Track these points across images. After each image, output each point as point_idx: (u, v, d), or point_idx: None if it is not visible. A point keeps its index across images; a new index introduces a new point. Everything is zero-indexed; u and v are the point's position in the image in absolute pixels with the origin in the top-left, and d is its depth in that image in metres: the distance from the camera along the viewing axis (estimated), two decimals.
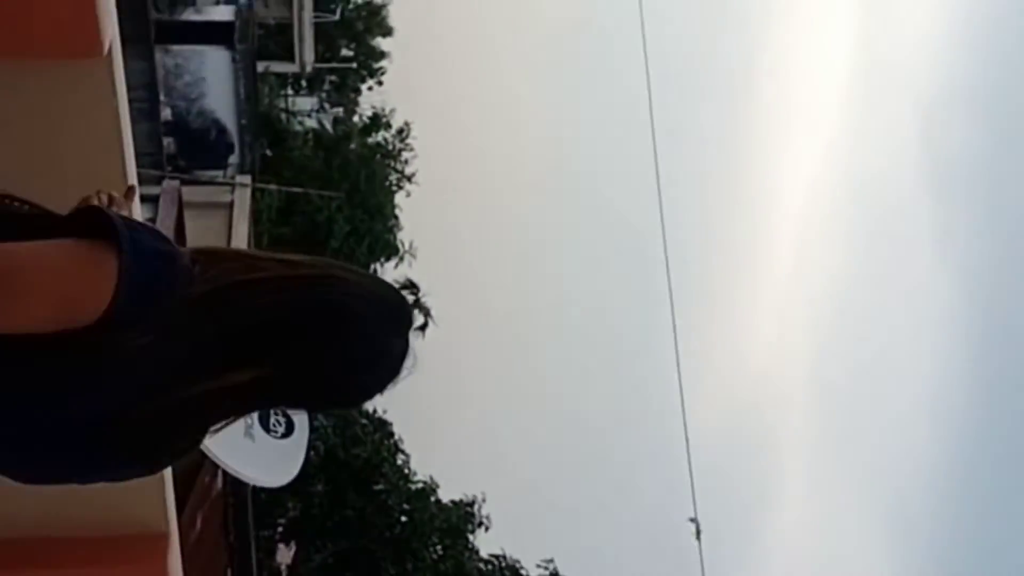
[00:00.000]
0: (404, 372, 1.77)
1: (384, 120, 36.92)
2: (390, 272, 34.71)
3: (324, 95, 41.59)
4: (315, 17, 36.47)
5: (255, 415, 7.36)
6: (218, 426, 1.76)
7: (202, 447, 6.15)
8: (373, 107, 39.20)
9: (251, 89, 27.65)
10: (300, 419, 7.65)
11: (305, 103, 39.71)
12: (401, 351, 1.76)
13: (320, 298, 1.68)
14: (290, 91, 40.00)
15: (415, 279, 35.44)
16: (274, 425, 7.34)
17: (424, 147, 37.25)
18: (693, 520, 15.05)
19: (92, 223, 1.60)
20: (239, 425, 5.95)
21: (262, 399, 1.77)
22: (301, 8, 34.30)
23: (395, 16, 45.84)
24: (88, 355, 1.55)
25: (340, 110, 40.58)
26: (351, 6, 44.75)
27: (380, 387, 1.78)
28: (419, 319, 35.88)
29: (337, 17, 40.74)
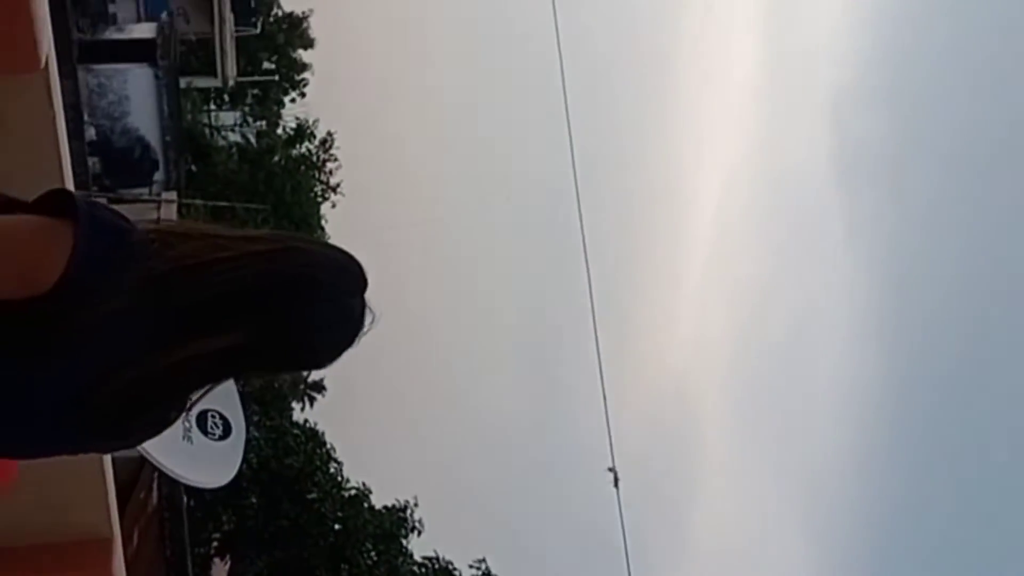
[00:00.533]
0: (365, 327, 1.91)
1: (308, 131, 37.09)
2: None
3: (247, 109, 41.58)
4: (236, 31, 36.50)
5: (193, 419, 7.76)
6: (198, 394, 1.87)
7: (141, 452, 6.56)
8: (296, 119, 39.37)
9: (174, 106, 27.72)
10: (237, 421, 8.02)
11: (229, 117, 39.69)
12: (360, 310, 1.90)
13: (283, 269, 1.79)
14: (213, 106, 39.95)
15: None
16: (211, 428, 7.71)
17: (348, 156, 37.49)
18: (611, 469, 15.47)
19: (56, 203, 1.68)
20: (177, 429, 6.42)
21: (236, 364, 1.83)
22: (222, 23, 34.32)
23: (316, 27, 46.02)
24: (46, 323, 1.60)
25: (264, 123, 40.60)
26: (272, 19, 44.79)
27: (346, 344, 1.90)
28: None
29: (258, 30, 40.74)
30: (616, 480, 15.12)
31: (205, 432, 7.65)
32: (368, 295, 1.92)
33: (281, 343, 1.81)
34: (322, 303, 1.84)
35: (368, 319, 1.92)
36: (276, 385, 28.88)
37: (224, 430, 7.89)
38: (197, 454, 7.46)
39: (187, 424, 7.17)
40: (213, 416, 7.54)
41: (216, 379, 1.84)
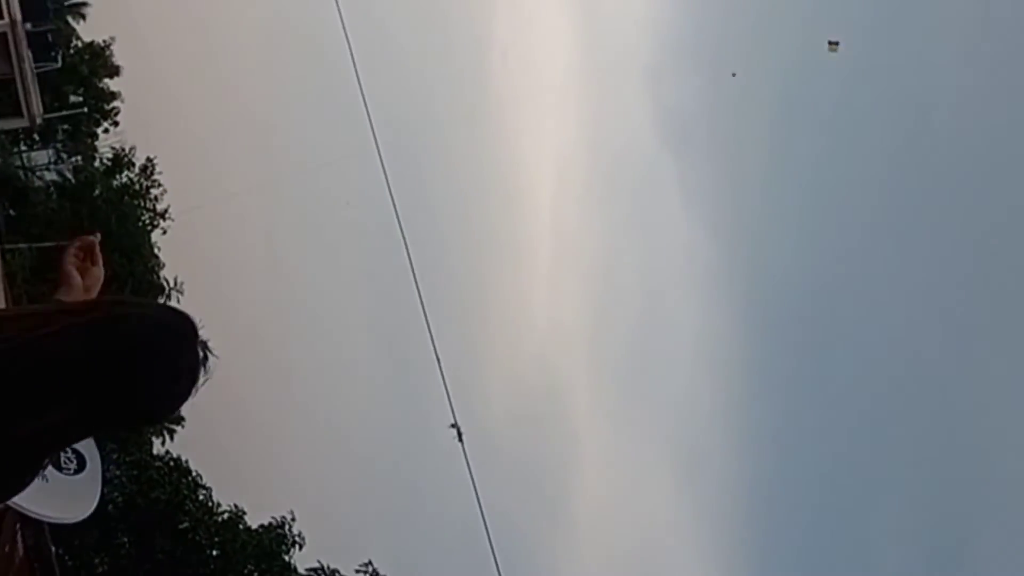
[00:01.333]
0: (201, 379, 1.96)
1: (126, 160, 36.30)
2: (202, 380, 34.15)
3: (60, 145, 40.48)
4: (37, 67, 35.48)
5: None
6: (45, 462, 1.98)
7: None
8: (112, 148, 38.48)
9: None
10: (90, 453, 7.90)
11: (42, 156, 38.57)
12: (193, 363, 1.94)
13: (111, 337, 1.83)
14: (24, 147, 38.78)
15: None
16: (65, 463, 7.58)
17: (172, 179, 36.79)
18: (454, 426, 15.78)
19: None
20: None
21: (77, 431, 1.90)
22: (20, 60, 33.32)
23: (121, 54, 44.98)
24: None
25: (79, 157, 39.59)
26: (72, 51, 43.62)
27: (183, 398, 1.95)
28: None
29: (59, 64, 39.68)
30: (460, 434, 15.40)
31: (59, 468, 7.52)
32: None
33: (120, 405, 1.86)
34: (147, 368, 1.87)
35: (202, 370, 1.97)
36: None
37: (79, 463, 7.77)
38: (55, 491, 7.33)
39: None
40: (66, 451, 7.41)
41: (65, 445, 1.99)
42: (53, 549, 17.52)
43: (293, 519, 27.91)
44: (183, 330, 1.95)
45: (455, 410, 15.60)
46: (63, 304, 2.00)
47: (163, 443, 31.71)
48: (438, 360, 15.56)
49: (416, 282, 15.91)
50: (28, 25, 34.08)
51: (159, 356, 1.87)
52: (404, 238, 15.87)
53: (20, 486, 1.98)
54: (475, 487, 15.38)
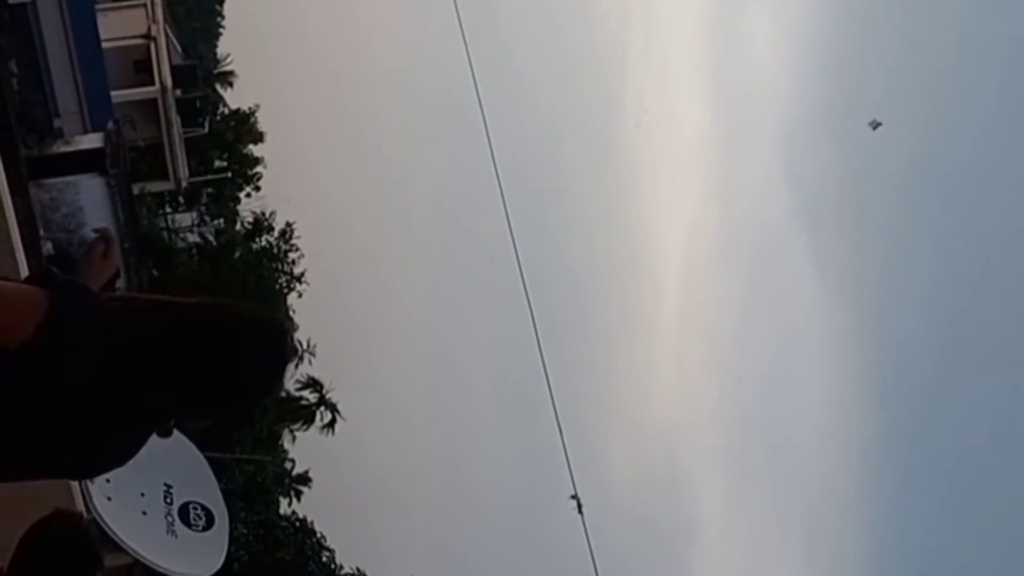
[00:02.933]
0: (287, 375, 2.20)
1: (266, 224, 37.20)
2: (290, 372, 34.85)
3: (203, 208, 41.69)
4: (184, 133, 36.70)
5: (176, 513, 7.75)
6: (148, 435, 2.20)
7: (130, 552, 6.55)
8: (253, 213, 39.48)
9: (129, 212, 27.78)
10: (218, 510, 8.02)
11: (186, 218, 39.74)
12: (289, 352, 2.19)
13: (208, 321, 2.10)
14: (169, 209, 40.03)
15: (317, 376, 35.67)
16: (195, 520, 7.71)
17: (309, 244, 37.59)
18: (574, 497, 15.57)
19: (36, 278, 2.05)
20: (162, 525, 6.40)
21: (175, 412, 2.15)
22: (169, 126, 34.52)
23: (264, 120, 46.34)
24: (29, 366, 1.93)
25: (221, 220, 40.70)
26: (219, 117, 45.02)
27: (279, 381, 2.19)
28: (327, 415, 35.99)
29: (206, 130, 40.97)
30: (580, 506, 15.20)
31: (188, 525, 7.63)
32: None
33: (215, 388, 2.07)
34: (240, 347, 2.09)
35: (289, 370, 2.24)
36: (259, 479, 28.68)
37: (207, 520, 7.88)
38: (183, 547, 7.44)
39: (170, 519, 7.17)
40: (195, 508, 7.53)
41: (166, 421, 2.16)
42: None
43: None
44: (274, 326, 2.17)
45: (576, 480, 15.44)
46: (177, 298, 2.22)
47: (289, 503, 32.08)
48: (560, 429, 15.45)
49: (540, 348, 15.85)
50: (178, 92, 35.32)
51: (251, 342, 2.09)
52: (529, 301, 15.87)
53: (129, 455, 2.18)
54: (594, 562, 15.16)
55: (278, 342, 2.14)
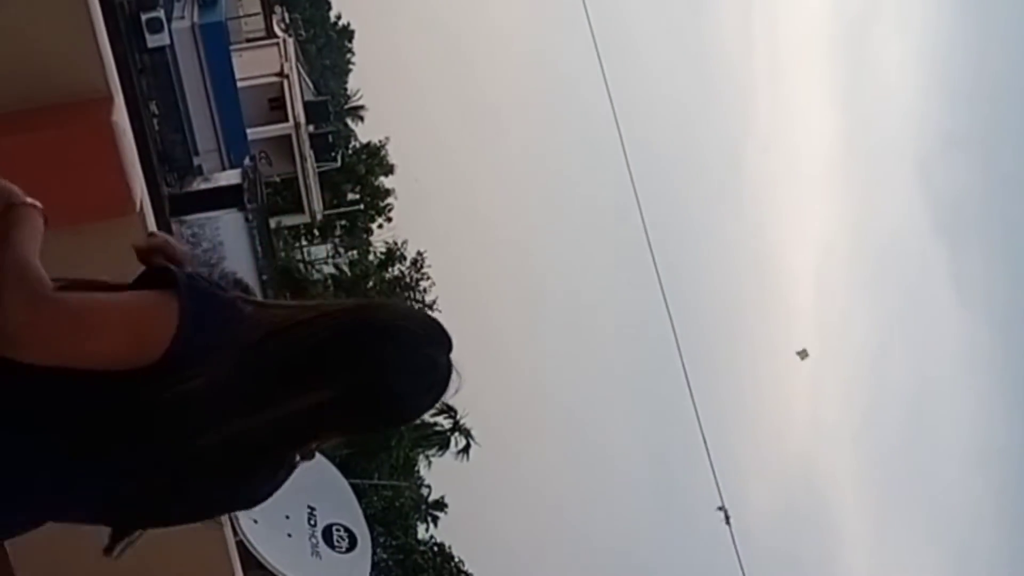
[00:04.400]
0: (452, 385, 1.93)
1: (398, 254, 37.76)
2: (453, 384, 35.13)
3: (337, 239, 42.48)
4: (318, 167, 37.48)
5: (320, 535, 7.92)
6: (300, 452, 1.98)
7: (277, 573, 6.71)
8: (386, 243, 40.12)
9: (267, 246, 28.47)
10: (361, 532, 8.17)
11: (321, 250, 40.55)
12: (442, 361, 1.92)
13: (363, 323, 1.88)
14: (305, 241, 40.89)
15: (451, 403, 35.96)
16: (338, 541, 7.87)
17: (441, 272, 38.06)
18: (721, 508, 15.39)
19: (157, 279, 1.84)
20: (307, 547, 6.55)
21: (330, 418, 1.87)
22: (304, 161, 35.29)
23: (393, 151, 47.11)
24: (160, 386, 1.74)
25: (355, 251, 41.41)
26: (351, 151, 45.89)
27: (429, 394, 1.93)
28: (462, 441, 36.26)
29: (339, 163, 41.78)
30: (727, 517, 15.05)
31: (332, 546, 7.78)
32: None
33: (369, 394, 1.85)
34: (400, 350, 1.87)
35: (455, 378, 1.93)
36: (397, 504, 29.00)
37: (350, 542, 8.02)
38: (327, 569, 7.59)
39: (314, 541, 7.33)
40: (338, 530, 7.69)
41: (314, 433, 1.91)
42: None
43: None
44: (438, 327, 1.96)
45: (723, 494, 15.32)
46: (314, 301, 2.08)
47: (426, 529, 32.36)
48: (705, 444, 15.33)
49: (684, 367, 15.78)
50: (311, 127, 36.13)
51: (411, 341, 1.89)
52: (672, 324, 15.81)
53: (275, 481, 2.00)
54: (743, 570, 14.97)
55: (445, 343, 1.94)
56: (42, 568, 4.82)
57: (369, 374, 1.83)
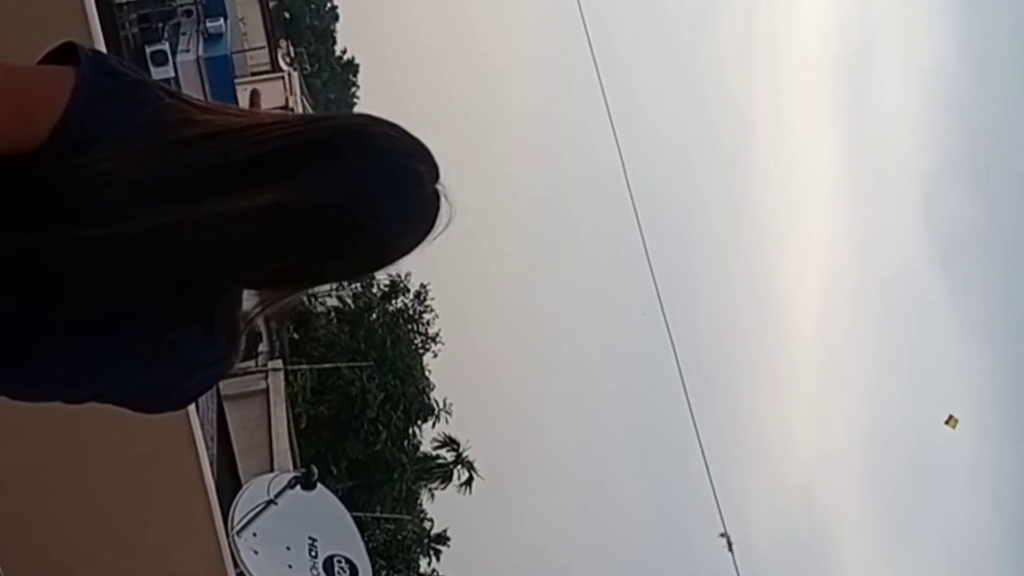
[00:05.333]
0: (442, 218, 1.54)
1: (401, 286, 37.80)
2: (428, 432, 35.28)
3: None
4: None
5: (320, 566, 7.90)
6: (256, 308, 1.55)
7: None
8: (389, 275, 40.12)
9: None
10: (363, 564, 8.16)
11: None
12: (433, 191, 1.53)
13: (334, 124, 1.50)
14: None
15: (453, 435, 35.93)
16: (339, 572, 7.85)
17: (444, 304, 38.13)
18: (724, 535, 15.34)
19: (60, 56, 1.51)
20: None
21: (283, 234, 1.41)
22: None
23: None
24: (52, 172, 1.39)
25: (358, 284, 41.48)
26: None
27: (415, 225, 1.52)
28: (464, 474, 36.17)
29: None
30: (730, 544, 15.00)
31: (332, 575, 7.78)
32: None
33: (338, 202, 1.42)
34: (377, 154, 1.47)
35: (445, 207, 1.54)
36: (400, 537, 28.91)
37: (351, 573, 8.00)
38: None
39: (315, 572, 7.32)
40: (340, 561, 7.68)
41: (262, 247, 1.43)
42: None
43: None
44: (423, 147, 1.53)
45: (725, 521, 15.30)
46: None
47: (429, 563, 32.24)
48: (707, 469, 15.30)
49: (688, 399, 15.79)
50: None
51: (394, 149, 1.49)
52: (675, 351, 15.82)
53: (219, 332, 1.50)
54: None
55: (431, 164, 1.54)
56: (25, 552, 4.81)
57: (333, 173, 1.42)
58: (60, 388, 1.52)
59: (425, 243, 1.55)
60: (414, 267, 39.66)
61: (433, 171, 1.54)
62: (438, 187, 1.54)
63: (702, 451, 15.55)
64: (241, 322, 1.54)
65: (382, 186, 1.45)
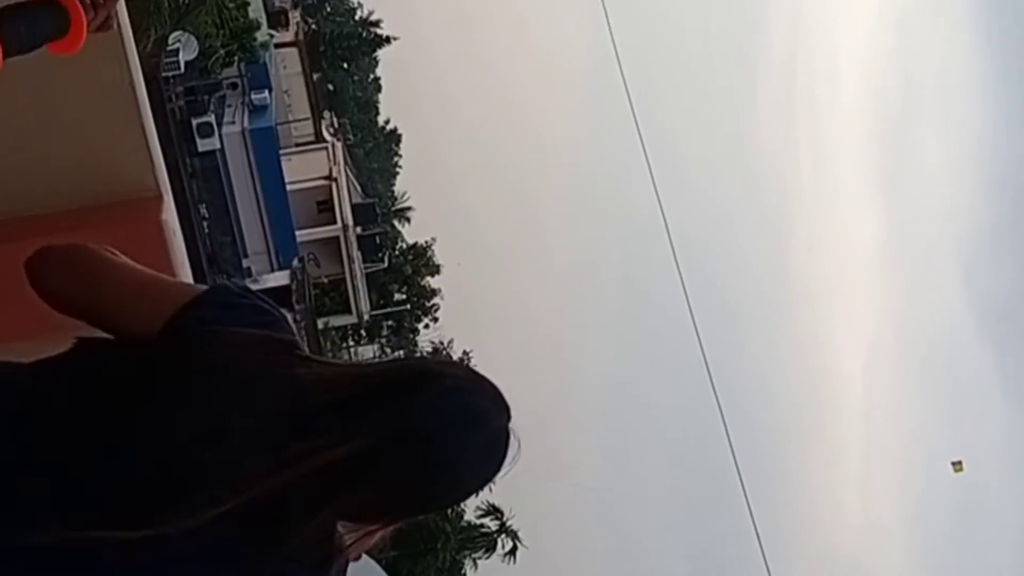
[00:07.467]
0: (512, 453, 1.62)
1: (444, 353, 37.84)
2: (471, 504, 35.10)
3: (384, 340, 42.70)
4: (365, 268, 37.86)
5: None
6: (333, 518, 1.59)
7: None
8: (431, 342, 40.30)
9: (315, 346, 28.62)
10: None
11: (368, 351, 40.74)
12: (499, 426, 1.61)
13: (412, 365, 1.68)
14: (352, 342, 41.12)
15: (497, 503, 35.72)
16: None
17: (487, 370, 38.04)
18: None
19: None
20: None
21: (364, 478, 1.52)
22: (351, 262, 35.63)
23: (440, 252, 47.48)
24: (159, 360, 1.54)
25: (401, 352, 41.61)
26: (397, 252, 46.36)
27: (483, 461, 1.61)
28: (508, 543, 35.91)
29: (386, 264, 42.20)
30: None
31: None
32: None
33: (415, 447, 1.53)
34: (442, 395, 1.57)
35: (514, 445, 1.62)
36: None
37: None
38: None
39: None
40: None
41: (345, 493, 1.52)
42: None
43: None
44: (495, 388, 1.64)
45: None
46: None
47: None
48: (760, 544, 15.10)
49: (737, 466, 15.63)
50: (358, 229, 36.55)
51: (468, 391, 1.59)
52: (724, 420, 15.71)
53: (309, 553, 1.55)
54: None
55: (503, 403, 1.64)
56: None
57: (404, 419, 1.52)
58: None
59: (496, 478, 1.65)
60: (456, 333, 39.69)
61: (501, 408, 1.63)
62: (508, 425, 1.62)
63: (751, 513, 15.35)
64: (332, 554, 1.61)
65: (451, 421, 1.55)
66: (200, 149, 26.53)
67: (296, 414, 1.51)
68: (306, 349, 1.67)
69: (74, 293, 1.62)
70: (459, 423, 1.56)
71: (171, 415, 1.49)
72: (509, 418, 1.63)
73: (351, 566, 1.72)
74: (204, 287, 1.63)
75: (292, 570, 1.53)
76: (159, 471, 1.46)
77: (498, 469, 1.62)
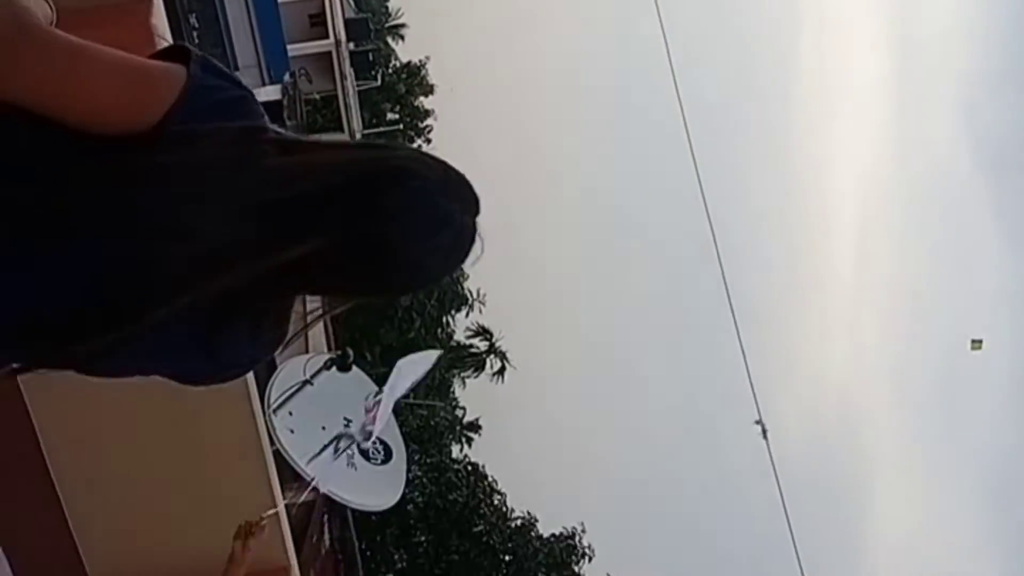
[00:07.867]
0: (473, 251, 1.66)
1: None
2: (461, 321, 35.50)
3: None
4: (358, 85, 37.40)
5: (355, 448, 7.99)
6: (285, 302, 1.68)
7: (313, 484, 6.77)
8: None
9: None
10: (397, 445, 8.26)
11: None
12: (465, 224, 1.65)
13: (379, 161, 1.62)
14: None
15: (486, 326, 36.19)
16: (373, 453, 7.95)
17: (486, 202, 38.02)
18: (759, 422, 15.43)
19: (169, 56, 1.59)
20: (342, 459, 6.56)
21: (326, 273, 1.59)
22: (343, 79, 35.20)
23: (434, 73, 46.87)
24: (147, 153, 1.48)
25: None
26: (391, 70, 45.73)
27: (442, 259, 1.65)
28: (497, 363, 36.50)
29: (379, 82, 41.67)
30: (764, 432, 15.10)
31: (368, 458, 7.86)
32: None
33: (376, 244, 1.56)
34: (422, 199, 1.59)
35: (477, 244, 1.66)
36: (432, 423, 29.29)
37: (385, 455, 8.11)
38: (362, 480, 7.68)
39: (350, 452, 7.41)
40: (374, 442, 7.76)
41: (308, 287, 1.64)
42: (357, 543, 18.35)
43: (583, 531, 28.22)
44: (464, 183, 1.67)
45: (760, 408, 15.33)
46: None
47: (460, 449, 32.68)
48: (744, 356, 15.29)
49: (730, 300, 15.72)
50: (351, 45, 35.98)
51: (433, 191, 1.60)
52: (715, 239, 15.74)
53: (262, 343, 1.69)
54: (779, 485, 15.04)
55: (471, 202, 1.67)
56: (61, 417, 4.86)
57: (367, 219, 1.55)
58: (131, 373, 1.68)
59: (457, 271, 1.75)
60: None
61: (469, 206, 1.67)
62: (474, 222, 1.67)
63: (740, 339, 15.53)
64: (291, 326, 1.72)
65: (415, 224, 1.58)
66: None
67: (263, 207, 1.53)
68: (273, 128, 1.66)
69: (42, 72, 1.44)
70: (423, 225, 1.59)
71: (139, 210, 1.50)
72: (478, 211, 1.68)
73: (341, 379, 1.83)
74: (183, 74, 1.55)
75: (238, 340, 1.64)
76: (124, 266, 1.50)
77: (454, 263, 1.68)
